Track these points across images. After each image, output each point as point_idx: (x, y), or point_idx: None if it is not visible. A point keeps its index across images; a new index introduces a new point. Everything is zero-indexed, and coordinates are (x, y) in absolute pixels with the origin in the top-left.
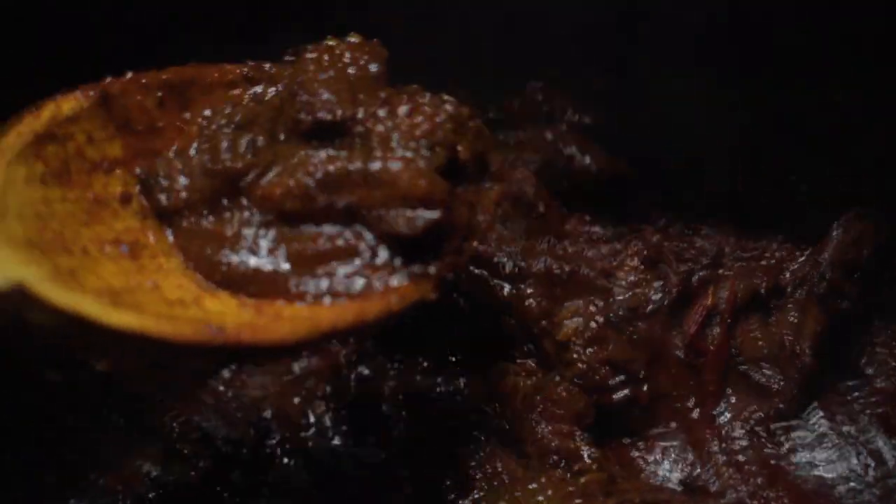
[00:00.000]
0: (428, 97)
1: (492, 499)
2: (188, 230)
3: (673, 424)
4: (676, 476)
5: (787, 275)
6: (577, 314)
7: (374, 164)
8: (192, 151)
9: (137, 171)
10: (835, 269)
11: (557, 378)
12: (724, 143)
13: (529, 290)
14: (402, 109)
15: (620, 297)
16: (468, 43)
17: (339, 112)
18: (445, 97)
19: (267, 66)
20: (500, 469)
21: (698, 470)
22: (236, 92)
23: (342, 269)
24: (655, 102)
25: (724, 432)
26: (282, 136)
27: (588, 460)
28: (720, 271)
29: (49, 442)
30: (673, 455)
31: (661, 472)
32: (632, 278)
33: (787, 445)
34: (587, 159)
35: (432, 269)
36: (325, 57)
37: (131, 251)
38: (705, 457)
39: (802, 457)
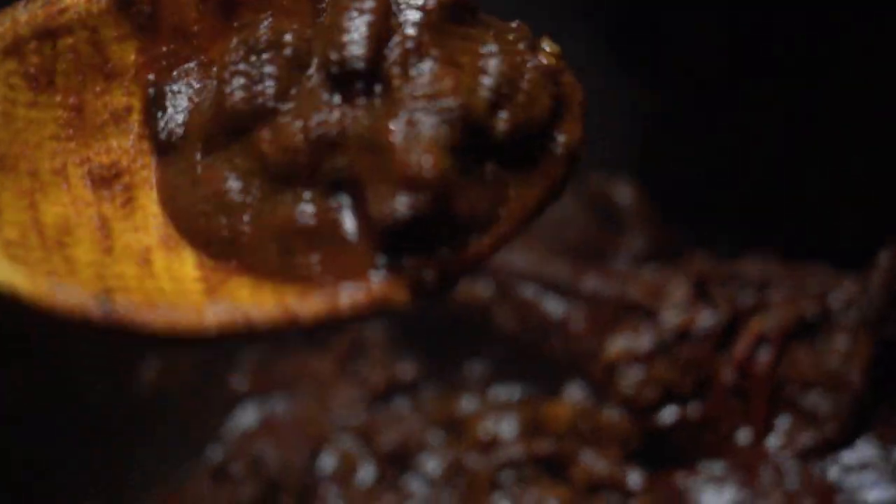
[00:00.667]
0: (492, 46)
1: None
2: (176, 166)
3: (721, 452)
4: None
5: (835, 301)
6: (625, 338)
7: (378, 122)
8: (212, 73)
9: (150, 77)
10: (883, 295)
11: (604, 403)
12: (766, 169)
13: (577, 313)
14: (429, 63)
15: (668, 322)
16: None
17: (366, 55)
18: (520, 44)
19: None
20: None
21: (747, 498)
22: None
23: (314, 252)
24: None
25: (773, 460)
26: (311, 73)
27: (635, 488)
28: (767, 297)
29: (94, 461)
30: (721, 483)
31: (709, 500)
32: (679, 304)
33: (837, 474)
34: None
35: (407, 267)
36: None
37: (101, 178)
38: (754, 485)
39: (853, 485)
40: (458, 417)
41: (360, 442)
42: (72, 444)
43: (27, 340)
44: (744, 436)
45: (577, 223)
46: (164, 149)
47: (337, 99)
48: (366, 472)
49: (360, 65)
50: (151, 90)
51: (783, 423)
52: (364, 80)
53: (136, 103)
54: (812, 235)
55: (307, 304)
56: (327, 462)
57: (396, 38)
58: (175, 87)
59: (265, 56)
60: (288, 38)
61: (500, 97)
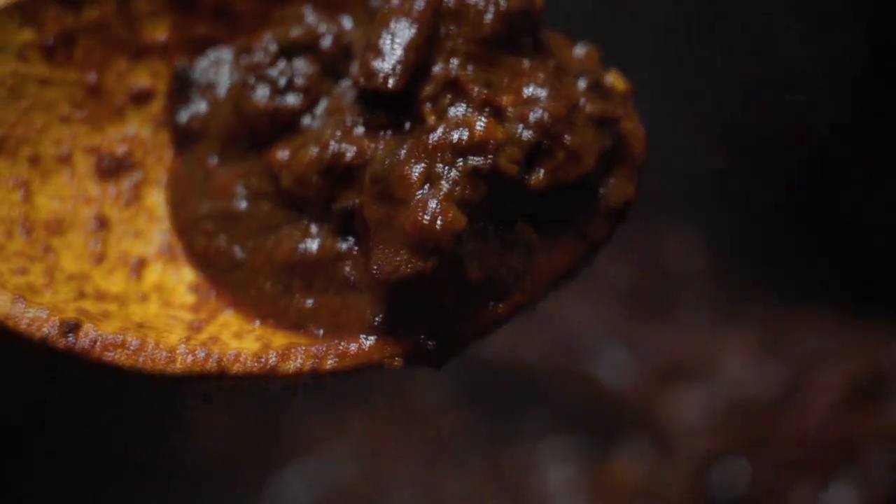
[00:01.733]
0: (541, 89)
1: None
2: (190, 166)
3: None
4: None
5: None
6: (685, 403)
7: (397, 165)
8: (241, 66)
9: (179, 63)
10: None
11: (663, 469)
12: (831, 220)
13: (633, 379)
14: (464, 106)
15: (729, 385)
16: None
17: (396, 87)
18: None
19: None
20: None
21: None
22: None
23: (311, 295)
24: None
25: None
26: (343, 87)
27: None
28: (830, 351)
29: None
30: None
31: None
32: (738, 366)
33: None
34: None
35: (405, 332)
36: None
37: (109, 170)
38: None
39: None
40: (513, 472)
41: (418, 497)
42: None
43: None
44: (802, 492)
45: (634, 271)
46: (182, 143)
47: (360, 128)
48: None
49: (390, 95)
50: (179, 74)
51: (842, 482)
52: (393, 112)
53: (161, 86)
54: (877, 288)
55: (289, 361)
56: None
57: (438, 67)
58: (203, 76)
59: (296, 63)
60: (325, 42)
61: (539, 152)
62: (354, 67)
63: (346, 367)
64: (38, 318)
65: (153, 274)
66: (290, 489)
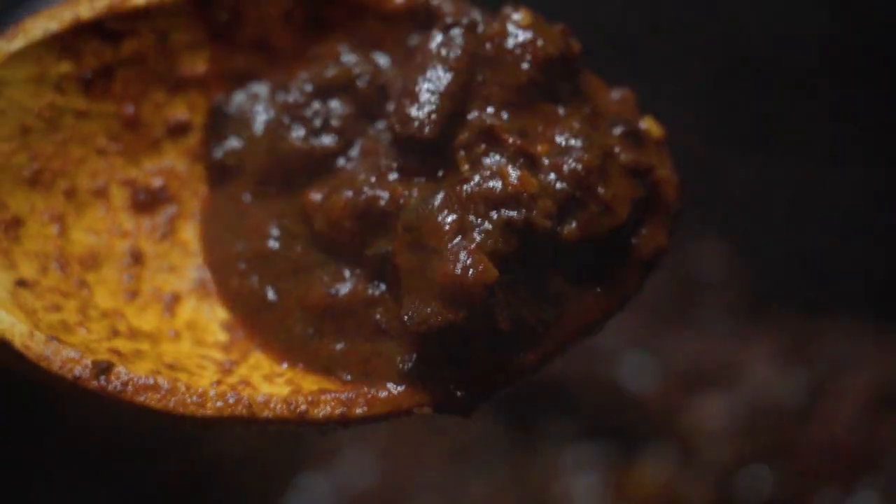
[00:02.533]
0: (577, 139)
1: None
2: (225, 202)
3: None
4: None
5: None
6: (709, 410)
7: (431, 215)
8: (278, 103)
9: (217, 97)
10: None
11: (687, 475)
12: (858, 225)
13: (657, 385)
14: (498, 157)
15: (753, 391)
16: None
17: (430, 136)
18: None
19: (449, 7)
20: None
21: None
22: (395, 30)
23: (341, 340)
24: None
25: None
26: (379, 128)
27: None
28: (857, 359)
29: None
30: None
31: None
32: (763, 373)
33: None
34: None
35: (435, 381)
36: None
37: (145, 203)
38: None
39: None
40: (537, 478)
41: (441, 501)
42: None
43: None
44: (826, 500)
45: (659, 279)
46: (217, 179)
47: (394, 173)
48: None
49: (424, 143)
50: (216, 109)
51: (864, 491)
52: (427, 158)
53: (198, 119)
54: None
55: (318, 408)
56: None
57: (473, 114)
58: (239, 112)
59: (332, 103)
60: (361, 83)
61: (572, 203)
62: (390, 107)
63: (375, 414)
64: (70, 359)
65: (186, 310)
66: (312, 494)
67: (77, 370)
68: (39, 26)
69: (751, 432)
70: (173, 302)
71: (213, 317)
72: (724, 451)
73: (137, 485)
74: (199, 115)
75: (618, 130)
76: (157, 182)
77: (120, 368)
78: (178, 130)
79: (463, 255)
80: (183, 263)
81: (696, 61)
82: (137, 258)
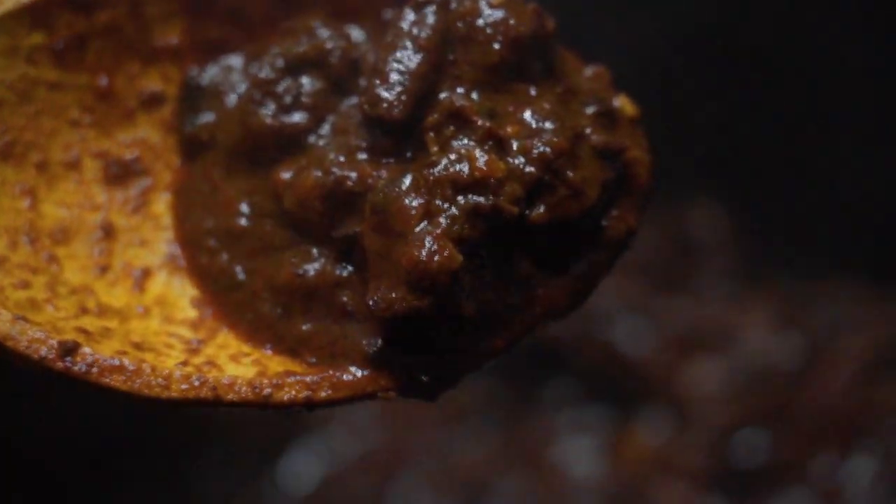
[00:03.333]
0: (548, 121)
1: None
2: (197, 176)
3: (799, 479)
4: None
5: None
6: (705, 373)
7: (398, 197)
8: (251, 75)
9: (191, 69)
10: None
11: (683, 439)
12: (855, 186)
13: (654, 349)
14: (466, 140)
15: (749, 356)
16: None
17: (399, 116)
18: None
19: None
20: None
21: None
22: (370, 2)
23: (308, 320)
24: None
25: (851, 488)
26: (349, 104)
27: None
28: (853, 322)
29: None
30: None
31: None
32: (759, 336)
33: None
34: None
35: (400, 364)
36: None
37: (117, 176)
38: None
39: None
40: (532, 441)
41: (436, 464)
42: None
43: None
44: (823, 463)
45: (655, 242)
46: (190, 152)
47: (364, 153)
48: (442, 499)
49: (393, 124)
50: (191, 78)
51: (863, 455)
52: (396, 138)
53: (172, 91)
54: None
55: (283, 391)
56: (403, 489)
57: (444, 94)
58: (213, 84)
59: (303, 79)
60: (333, 58)
61: (541, 186)
62: (363, 82)
63: (340, 397)
64: (37, 339)
65: (156, 286)
66: (308, 457)
67: (43, 350)
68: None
69: (747, 396)
70: (143, 277)
71: (183, 293)
72: (719, 415)
73: (128, 449)
74: (173, 86)
75: (591, 110)
76: (130, 154)
77: (85, 349)
78: (152, 102)
79: (428, 241)
80: (154, 237)
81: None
82: (109, 232)
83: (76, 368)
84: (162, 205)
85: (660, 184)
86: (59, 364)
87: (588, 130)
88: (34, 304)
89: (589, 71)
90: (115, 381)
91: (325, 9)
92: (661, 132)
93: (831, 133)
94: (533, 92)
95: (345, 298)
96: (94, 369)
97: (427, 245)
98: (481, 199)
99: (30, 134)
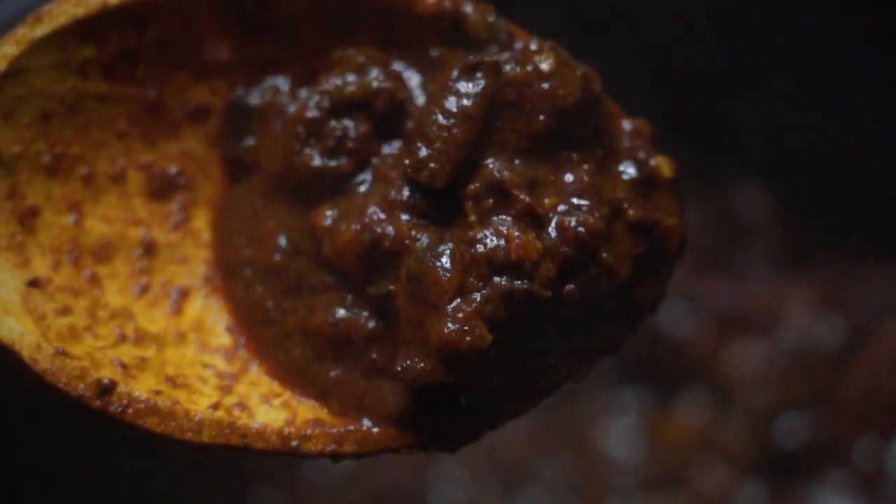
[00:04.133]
0: (582, 199)
1: None
2: (238, 199)
3: (841, 463)
4: None
5: None
6: (747, 355)
7: (432, 268)
8: (299, 102)
9: (238, 89)
10: None
11: (724, 420)
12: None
13: (696, 330)
14: (503, 217)
15: (792, 338)
16: None
17: (440, 184)
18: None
19: (475, 17)
20: None
21: None
22: (420, 35)
23: (336, 370)
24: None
25: (891, 477)
26: (394, 150)
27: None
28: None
29: None
30: (839, 494)
31: None
32: (802, 318)
33: None
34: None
35: (424, 425)
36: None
37: (160, 189)
38: (873, 498)
39: None
40: (573, 423)
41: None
42: None
43: None
44: (864, 448)
45: (698, 223)
46: (234, 172)
47: (404, 210)
48: (482, 479)
49: (434, 188)
50: (237, 98)
51: None
52: (436, 202)
53: (219, 104)
54: None
55: (310, 443)
56: (443, 469)
57: (487, 161)
58: (259, 105)
59: (347, 121)
60: (380, 100)
61: (574, 265)
62: (409, 136)
63: (365, 452)
64: (75, 376)
65: (194, 308)
66: None
67: (80, 388)
68: (65, 12)
69: (789, 378)
70: (182, 298)
71: (219, 317)
72: (761, 397)
73: None
74: (220, 99)
75: (629, 174)
76: (173, 168)
77: (122, 389)
78: (199, 114)
79: (460, 319)
80: (194, 254)
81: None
82: (149, 248)
83: (112, 409)
84: (202, 220)
85: (705, 164)
86: (97, 402)
87: (625, 205)
88: (74, 334)
89: (628, 125)
90: (149, 423)
91: (375, 37)
92: (706, 112)
93: (878, 114)
94: (575, 157)
95: (375, 356)
96: (130, 410)
97: (458, 323)
98: (516, 283)
99: (77, 147)
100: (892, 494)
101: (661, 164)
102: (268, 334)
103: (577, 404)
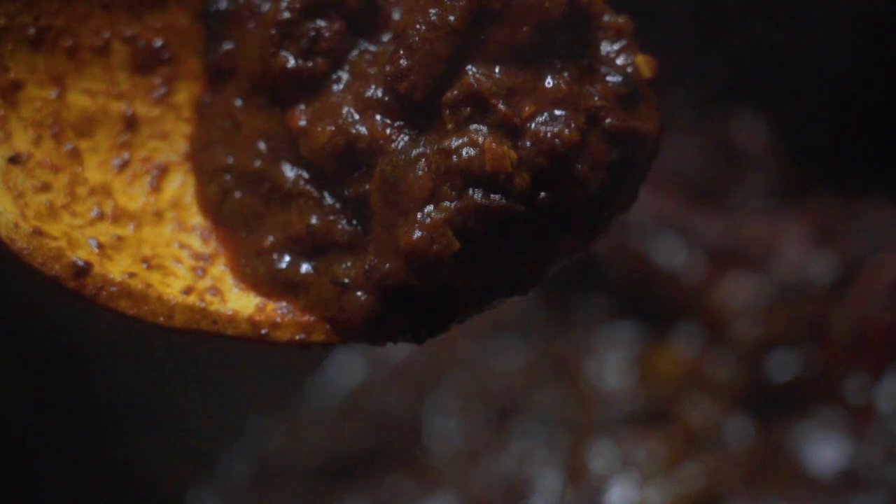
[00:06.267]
0: (558, 108)
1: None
2: (218, 101)
3: (830, 400)
4: (831, 461)
5: None
6: (740, 289)
7: (406, 174)
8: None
9: None
10: None
11: (715, 354)
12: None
13: (688, 254)
14: (478, 125)
15: (784, 273)
16: None
17: (419, 95)
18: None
19: None
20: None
21: (853, 447)
22: None
23: (307, 262)
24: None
25: (882, 409)
26: (372, 50)
27: (742, 443)
28: (889, 244)
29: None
30: (828, 431)
31: (815, 448)
32: (795, 252)
33: None
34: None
35: (390, 319)
36: None
37: (144, 62)
38: (862, 434)
39: None
40: (566, 355)
41: (471, 377)
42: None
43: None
44: (854, 384)
45: (695, 157)
46: (215, 77)
47: (379, 111)
48: (476, 410)
49: (412, 97)
50: (212, 4)
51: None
52: (413, 107)
53: None
54: None
55: (279, 331)
56: (438, 400)
57: (467, 69)
58: (235, 5)
59: (321, 21)
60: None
61: (547, 174)
62: (387, 39)
63: (332, 341)
64: (51, 257)
65: (173, 184)
66: (343, 367)
67: (56, 269)
68: None
69: (781, 313)
70: (161, 174)
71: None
72: (752, 331)
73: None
74: None
75: (610, 78)
76: (157, 41)
77: (96, 271)
78: None
79: (428, 226)
80: (176, 128)
81: None
82: (131, 123)
83: (86, 291)
84: (185, 95)
85: (699, 93)
86: (71, 283)
87: (602, 113)
88: (53, 212)
89: (610, 23)
90: (122, 306)
91: None
92: (701, 40)
93: (875, 49)
94: (558, 65)
95: (349, 263)
96: (104, 293)
97: (427, 230)
98: (491, 197)
99: (62, 19)
100: (882, 431)
101: (641, 63)
102: (241, 237)
103: (569, 338)
